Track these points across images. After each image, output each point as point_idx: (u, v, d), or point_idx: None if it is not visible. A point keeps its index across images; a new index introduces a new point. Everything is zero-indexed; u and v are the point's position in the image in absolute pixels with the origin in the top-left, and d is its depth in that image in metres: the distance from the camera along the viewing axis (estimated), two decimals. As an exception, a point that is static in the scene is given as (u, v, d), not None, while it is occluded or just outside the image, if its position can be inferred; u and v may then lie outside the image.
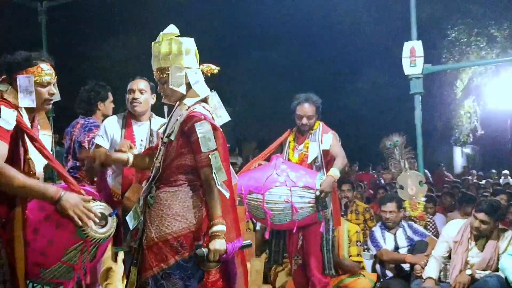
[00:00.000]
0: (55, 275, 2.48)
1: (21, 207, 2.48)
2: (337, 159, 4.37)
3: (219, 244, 2.75)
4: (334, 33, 16.54)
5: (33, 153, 2.55)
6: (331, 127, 4.65)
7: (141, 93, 3.87)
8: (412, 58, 6.51)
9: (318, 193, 4.05)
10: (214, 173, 2.81)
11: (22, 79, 2.53)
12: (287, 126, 4.77)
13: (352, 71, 18.17)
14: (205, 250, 2.76)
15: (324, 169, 4.42)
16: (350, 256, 5.05)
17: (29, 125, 2.58)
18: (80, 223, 2.38)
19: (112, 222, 2.53)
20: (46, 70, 2.64)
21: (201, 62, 3.07)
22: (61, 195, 2.38)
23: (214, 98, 3.06)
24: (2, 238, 2.45)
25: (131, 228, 3.06)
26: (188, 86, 2.97)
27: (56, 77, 2.70)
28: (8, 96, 2.52)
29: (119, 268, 3.89)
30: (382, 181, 11.42)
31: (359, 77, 17.97)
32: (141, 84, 3.89)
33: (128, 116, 3.90)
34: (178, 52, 2.96)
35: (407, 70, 6.56)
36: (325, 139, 4.50)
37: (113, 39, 14.83)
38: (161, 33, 3.02)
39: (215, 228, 2.76)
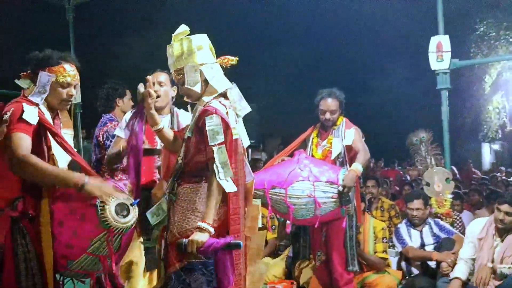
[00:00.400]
0: (82, 266, 2.53)
1: (47, 202, 2.54)
2: (360, 154, 4.37)
3: (198, 236, 2.74)
4: (359, 28, 16.44)
5: (56, 149, 2.62)
6: (356, 123, 4.64)
7: (160, 85, 3.85)
8: (439, 53, 6.42)
9: (341, 188, 4.03)
10: (217, 166, 2.80)
11: (43, 76, 2.60)
12: (311, 122, 4.77)
13: (377, 67, 18.02)
14: (185, 240, 2.76)
15: (348, 165, 4.41)
16: (375, 252, 5.02)
17: (51, 121, 2.66)
18: (109, 199, 2.45)
19: (133, 211, 2.56)
20: (68, 71, 2.69)
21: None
22: (85, 180, 2.46)
23: (234, 91, 3.06)
24: (30, 232, 2.52)
25: (152, 224, 3.09)
26: (206, 82, 3.00)
27: (78, 80, 2.78)
28: (29, 94, 2.61)
29: (141, 262, 3.91)
30: (408, 177, 11.30)
31: (385, 72, 17.81)
32: (160, 77, 3.88)
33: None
34: (189, 50, 3.01)
35: (434, 65, 6.47)
36: (347, 134, 4.51)
37: (139, 36, 14.99)
38: (173, 34, 3.07)
39: (200, 224, 2.77)
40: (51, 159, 2.61)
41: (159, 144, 3.76)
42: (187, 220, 2.86)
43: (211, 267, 2.90)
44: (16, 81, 2.66)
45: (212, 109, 2.89)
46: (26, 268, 2.50)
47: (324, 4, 14.80)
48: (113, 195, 2.48)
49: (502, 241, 4.36)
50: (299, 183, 4.10)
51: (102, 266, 2.54)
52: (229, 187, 2.82)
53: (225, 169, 2.82)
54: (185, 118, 3.99)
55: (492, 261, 4.31)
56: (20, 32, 10.84)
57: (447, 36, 6.44)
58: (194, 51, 3.00)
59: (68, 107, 2.82)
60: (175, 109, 4.00)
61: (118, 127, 3.94)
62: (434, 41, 6.45)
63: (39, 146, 2.56)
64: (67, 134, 2.84)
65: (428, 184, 5.93)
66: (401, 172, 13.28)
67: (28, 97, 2.59)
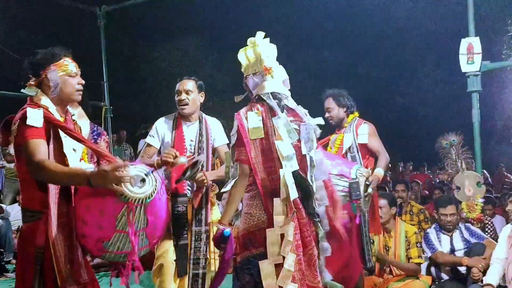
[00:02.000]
0: (118, 246, 2.51)
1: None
2: (380, 157, 4.46)
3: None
4: (389, 31, 16.32)
5: (67, 147, 2.65)
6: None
7: (188, 94, 3.91)
8: (470, 55, 6.34)
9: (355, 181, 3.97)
10: (227, 166, 3.07)
11: (51, 73, 2.68)
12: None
13: (407, 69, 17.87)
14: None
15: (361, 160, 4.48)
16: (410, 258, 4.98)
17: (59, 118, 2.69)
18: (120, 189, 2.40)
19: (150, 180, 2.51)
20: (70, 62, 2.76)
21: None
22: (89, 173, 2.42)
23: (269, 99, 3.18)
24: (63, 234, 2.58)
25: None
26: (251, 91, 3.23)
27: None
28: (37, 100, 2.66)
29: (171, 265, 3.92)
30: (438, 181, 11.15)
31: (415, 75, 17.64)
32: (188, 85, 3.93)
33: (178, 117, 3.97)
34: (249, 59, 3.25)
35: (464, 67, 6.39)
36: (360, 130, 4.61)
37: (170, 41, 15.18)
38: (249, 39, 3.30)
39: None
40: (62, 158, 2.63)
41: (188, 151, 3.88)
42: (240, 220, 3.10)
43: (259, 267, 2.98)
44: (23, 90, 2.71)
45: (237, 113, 3.12)
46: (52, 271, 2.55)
47: (353, 7, 14.77)
48: (121, 179, 2.39)
49: None
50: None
51: (131, 241, 2.50)
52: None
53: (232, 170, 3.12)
54: (214, 124, 4.08)
55: None
56: (52, 38, 11.08)
57: (478, 38, 6.37)
58: (243, 64, 3.26)
59: (80, 97, 2.83)
60: (204, 115, 4.06)
61: (150, 135, 3.98)
62: (464, 43, 6.38)
63: (49, 146, 2.59)
64: (84, 126, 2.95)
65: (458, 188, 5.85)
66: (431, 176, 13.10)
67: (50, 95, 2.67)
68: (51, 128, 2.60)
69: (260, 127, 3.06)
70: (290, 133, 3.10)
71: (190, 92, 3.93)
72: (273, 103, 3.14)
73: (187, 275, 3.85)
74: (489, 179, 11.26)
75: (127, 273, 2.65)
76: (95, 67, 9.10)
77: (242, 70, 3.31)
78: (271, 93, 3.18)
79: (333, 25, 15.55)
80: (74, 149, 2.69)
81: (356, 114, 4.77)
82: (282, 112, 3.15)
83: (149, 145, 3.93)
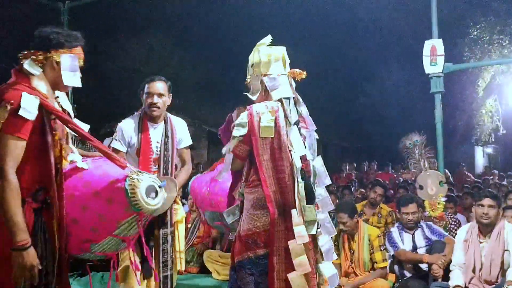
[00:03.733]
0: (104, 248, 2.47)
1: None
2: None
3: None
4: (353, 32, 16.49)
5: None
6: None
7: (160, 96, 3.86)
8: (433, 56, 6.46)
9: None
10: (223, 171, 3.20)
11: (68, 58, 2.50)
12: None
13: (371, 70, 18.08)
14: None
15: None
16: (375, 262, 5.02)
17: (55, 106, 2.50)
18: (18, 284, 2.26)
19: (162, 193, 2.47)
20: (82, 54, 2.62)
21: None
22: (18, 245, 2.24)
23: (287, 101, 3.18)
24: (49, 228, 2.41)
25: (228, 222, 3.33)
26: (267, 91, 3.18)
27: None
28: (34, 81, 2.42)
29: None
30: (402, 180, 11.34)
31: (379, 76, 17.87)
32: (160, 87, 3.87)
33: (144, 118, 3.90)
34: (257, 61, 3.20)
35: (428, 68, 6.51)
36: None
37: (134, 38, 14.97)
38: (257, 43, 3.27)
39: None
40: (60, 149, 2.46)
41: (154, 153, 3.83)
42: (243, 220, 3.11)
43: (261, 268, 2.98)
44: (27, 66, 2.42)
45: (249, 108, 3.12)
46: (41, 265, 2.35)
47: (317, 8, 14.88)
48: (26, 280, 2.27)
49: (486, 241, 4.40)
50: None
51: (128, 246, 2.47)
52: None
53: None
54: (179, 124, 4.05)
55: (481, 264, 4.34)
56: (14, 33, 10.81)
57: (441, 40, 6.49)
58: (260, 62, 3.19)
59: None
60: (168, 115, 4.02)
61: (116, 139, 3.88)
62: (428, 44, 6.50)
63: (43, 139, 2.39)
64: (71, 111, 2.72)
65: (421, 187, 5.96)
66: (395, 176, 13.32)
67: (64, 82, 2.49)
68: (45, 119, 2.39)
69: (272, 126, 3.04)
70: (299, 146, 3.13)
71: (162, 95, 3.87)
72: (293, 110, 3.16)
73: (157, 277, 3.79)
74: (451, 178, 11.52)
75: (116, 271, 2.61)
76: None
77: (260, 68, 3.21)
78: (292, 98, 3.21)
79: (297, 24, 15.63)
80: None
81: None
82: (296, 123, 3.18)
83: (115, 149, 3.81)
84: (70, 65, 2.51)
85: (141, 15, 14.55)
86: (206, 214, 4.53)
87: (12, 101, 2.27)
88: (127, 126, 3.89)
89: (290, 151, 3.07)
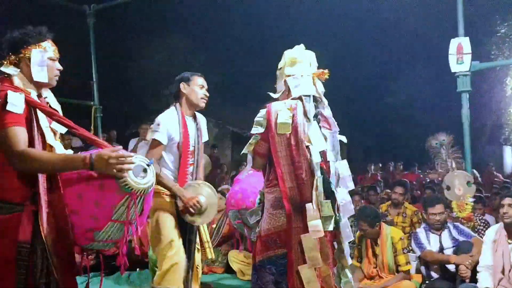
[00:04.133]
0: (109, 235, 2.48)
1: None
2: None
3: None
4: (379, 31, 16.36)
5: (48, 134, 2.53)
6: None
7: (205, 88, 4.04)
8: (459, 55, 6.35)
9: None
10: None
11: (36, 53, 2.53)
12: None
13: (397, 69, 17.92)
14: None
15: None
16: (398, 265, 4.98)
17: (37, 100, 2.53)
18: (121, 174, 2.34)
19: (151, 171, 2.49)
20: (53, 45, 2.64)
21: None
22: (91, 157, 2.34)
23: (307, 99, 3.22)
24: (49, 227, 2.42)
25: (250, 223, 3.47)
26: (289, 91, 3.25)
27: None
28: (18, 81, 2.48)
29: (184, 264, 3.87)
30: (428, 181, 11.20)
31: (405, 75, 17.69)
32: (204, 81, 4.04)
33: (182, 112, 3.93)
34: (283, 64, 3.32)
35: (454, 67, 6.40)
36: None
37: (158, 40, 15.12)
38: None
39: None
40: (49, 149, 2.50)
41: (191, 146, 3.90)
42: (263, 220, 3.15)
43: (282, 267, 2.99)
44: (3, 68, 2.49)
45: (267, 105, 3.18)
46: (42, 265, 2.39)
47: (342, 6, 14.79)
48: (123, 165, 2.34)
49: None
50: None
51: (126, 231, 2.47)
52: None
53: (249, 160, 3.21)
54: (203, 121, 4.12)
55: (510, 266, 4.25)
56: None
57: (467, 38, 6.38)
58: (285, 64, 3.30)
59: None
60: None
61: (157, 131, 3.81)
62: (454, 43, 6.39)
63: (30, 134, 2.43)
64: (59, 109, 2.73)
65: (448, 188, 5.86)
66: (421, 176, 13.16)
67: (33, 78, 2.51)
68: (33, 115, 2.44)
69: (289, 123, 3.08)
70: (319, 141, 3.14)
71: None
72: (311, 106, 3.18)
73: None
74: (479, 179, 11.32)
75: (124, 260, 2.57)
76: (84, 67, 9.03)
77: (284, 69, 3.32)
78: (312, 96, 3.23)
79: (320, 24, 15.57)
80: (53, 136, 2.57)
81: None
82: (315, 117, 3.20)
83: (157, 142, 3.79)
84: (39, 60, 2.54)
85: (165, 17, 14.69)
86: (229, 213, 4.57)
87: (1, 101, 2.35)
88: (169, 120, 3.87)
89: (307, 147, 3.08)
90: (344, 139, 3.36)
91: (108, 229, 2.47)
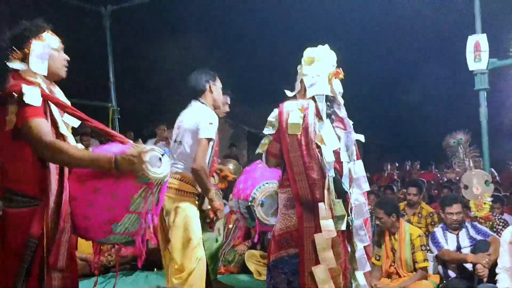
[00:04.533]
0: (127, 227, 2.49)
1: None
2: None
3: None
4: (395, 28, 16.25)
5: (62, 127, 2.54)
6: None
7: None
8: (477, 52, 6.30)
9: None
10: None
11: (37, 45, 2.53)
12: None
13: (414, 67, 17.78)
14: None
15: None
16: (416, 262, 4.95)
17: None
18: (145, 171, 2.37)
19: (166, 161, 2.51)
20: (54, 36, 2.65)
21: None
22: (115, 157, 2.36)
23: (320, 99, 3.20)
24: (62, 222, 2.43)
25: (265, 217, 3.55)
26: (305, 90, 3.24)
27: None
28: (27, 75, 2.49)
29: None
30: (446, 180, 11.10)
31: (422, 73, 17.55)
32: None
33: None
34: (301, 63, 3.32)
35: (472, 65, 6.35)
36: None
37: (173, 40, 15.18)
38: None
39: None
40: (62, 139, 2.51)
41: None
42: (277, 220, 3.18)
43: (294, 267, 3.01)
44: (11, 64, 2.50)
45: (279, 106, 3.19)
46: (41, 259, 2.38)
47: (357, 3, 14.71)
48: (145, 163, 2.38)
49: None
50: None
51: (144, 222, 2.49)
52: None
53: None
54: None
55: None
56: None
57: (485, 35, 6.32)
58: (304, 63, 3.31)
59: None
60: None
61: (211, 129, 3.79)
62: (471, 40, 6.34)
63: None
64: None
65: (466, 187, 5.81)
66: (438, 175, 13.05)
67: (32, 69, 2.51)
68: (47, 107, 2.46)
69: (299, 123, 3.08)
70: (332, 140, 3.12)
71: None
72: (324, 106, 3.16)
73: None
74: (497, 178, 11.20)
75: (141, 251, 2.59)
76: (101, 68, 9.10)
77: (302, 68, 3.32)
78: (326, 95, 3.20)
79: (336, 22, 15.50)
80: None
81: None
82: (329, 117, 3.17)
83: (211, 141, 3.80)
84: (40, 52, 2.54)
85: (179, 17, 14.74)
86: (232, 201, 4.63)
87: (15, 94, 2.37)
88: (216, 118, 3.88)
89: (319, 147, 3.07)
90: (362, 138, 3.32)
91: (126, 220, 2.47)
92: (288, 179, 3.09)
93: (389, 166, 14.27)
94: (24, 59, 2.53)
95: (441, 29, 15.62)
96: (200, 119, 3.76)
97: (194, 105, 3.94)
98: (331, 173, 3.05)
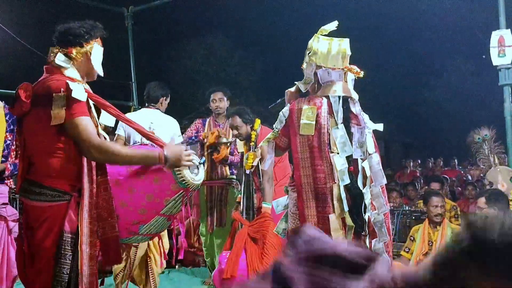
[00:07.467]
0: (151, 229, 2.53)
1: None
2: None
3: None
4: (419, 24, 16.11)
5: (100, 128, 2.56)
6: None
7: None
8: (501, 48, 6.20)
9: None
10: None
11: (97, 47, 2.60)
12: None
13: (436, 63, 17.60)
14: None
15: None
16: None
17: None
18: (188, 175, 2.47)
19: (202, 170, 2.60)
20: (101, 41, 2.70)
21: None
22: (165, 153, 2.42)
23: (333, 99, 3.08)
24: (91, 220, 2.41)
25: (276, 212, 3.53)
26: (319, 84, 3.11)
27: None
28: (70, 74, 2.49)
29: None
30: (470, 177, 10.95)
31: (444, 69, 17.36)
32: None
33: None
34: (315, 50, 3.08)
35: (496, 60, 6.25)
36: None
37: (195, 40, 15.27)
38: (322, 27, 3.15)
39: None
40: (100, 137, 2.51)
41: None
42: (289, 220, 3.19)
43: None
44: (58, 61, 2.49)
45: (291, 103, 3.15)
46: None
47: (384, 1, 14.62)
48: (190, 160, 2.48)
49: None
50: None
51: (173, 225, 2.57)
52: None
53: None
54: None
55: None
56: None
57: (509, 30, 6.22)
58: (318, 51, 3.06)
59: None
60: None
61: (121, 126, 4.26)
62: (495, 35, 6.24)
63: None
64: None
65: (491, 184, 5.74)
66: (462, 172, 12.88)
67: (96, 71, 2.58)
68: (89, 107, 2.47)
69: (312, 124, 2.97)
70: (345, 146, 2.99)
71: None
72: (339, 109, 3.04)
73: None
74: (523, 174, 11.00)
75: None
76: (123, 68, 9.19)
77: (316, 59, 3.08)
78: (341, 96, 3.07)
79: (359, 18, 15.42)
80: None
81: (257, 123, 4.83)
82: (344, 121, 3.05)
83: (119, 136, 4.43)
84: (99, 54, 2.62)
85: (202, 18, 14.83)
86: None
87: (62, 89, 2.36)
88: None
89: (331, 152, 2.97)
90: (380, 127, 3.20)
91: (154, 222, 2.52)
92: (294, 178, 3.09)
93: (411, 163, 14.13)
94: (71, 57, 2.53)
95: (465, 25, 15.41)
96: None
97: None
98: (345, 181, 2.95)
